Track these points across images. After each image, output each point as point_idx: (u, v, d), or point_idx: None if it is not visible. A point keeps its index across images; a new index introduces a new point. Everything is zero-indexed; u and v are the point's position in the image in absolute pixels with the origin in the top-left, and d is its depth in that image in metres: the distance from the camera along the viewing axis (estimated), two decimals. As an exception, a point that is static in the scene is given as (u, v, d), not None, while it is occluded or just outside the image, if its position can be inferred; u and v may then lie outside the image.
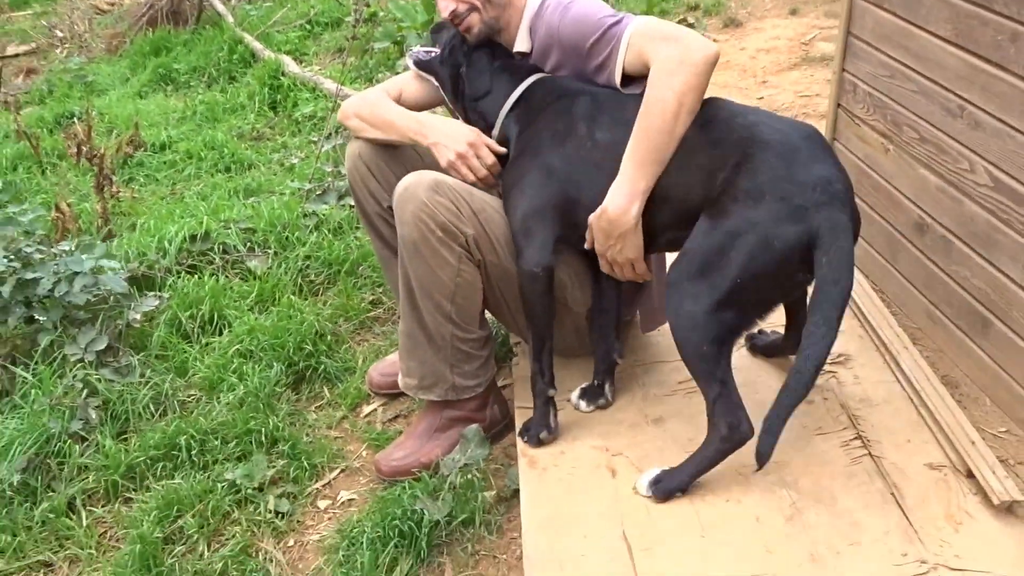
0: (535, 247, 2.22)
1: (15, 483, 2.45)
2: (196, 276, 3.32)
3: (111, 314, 2.98)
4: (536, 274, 2.21)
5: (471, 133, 2.36)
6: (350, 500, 2.45)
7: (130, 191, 4.25)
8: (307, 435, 2.67)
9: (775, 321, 2.34)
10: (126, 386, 2.77)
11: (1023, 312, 2.31)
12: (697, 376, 2.07)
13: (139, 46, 6.87)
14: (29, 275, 2.89)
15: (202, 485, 2.43)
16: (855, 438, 2.27)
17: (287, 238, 3.51)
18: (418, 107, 2.57)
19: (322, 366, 2.88)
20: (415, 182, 2.23)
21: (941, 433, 2.25)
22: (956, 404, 2.34)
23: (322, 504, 2.45)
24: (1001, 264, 2.36)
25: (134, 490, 2.51)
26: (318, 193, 3.78)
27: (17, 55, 7.70)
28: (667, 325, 2.09)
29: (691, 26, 6.05)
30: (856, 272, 2.12)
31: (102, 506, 2.49)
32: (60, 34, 8.00)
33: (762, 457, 1.96)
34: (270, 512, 2.39)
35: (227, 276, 3.37)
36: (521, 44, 2.37)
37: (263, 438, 2.58)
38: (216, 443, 2.56)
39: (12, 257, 2.92)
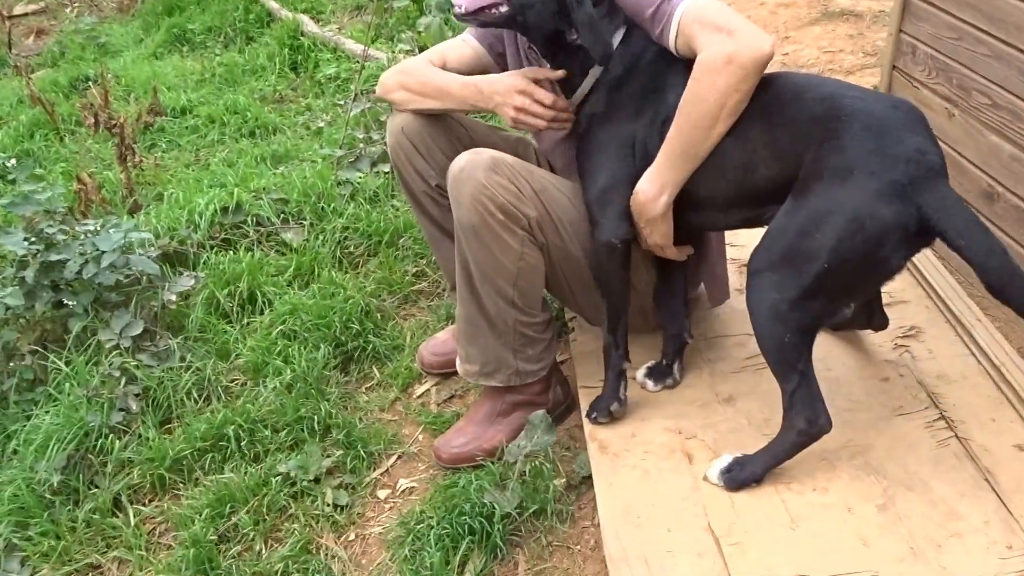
0: (613, 218, 2.11)
1: (55, 484, 2.35)
2: (230, 251, 3.20)
3: (145, 296, 2.87)
4: (614, 246, 2.11)
5: (517, 79, 2.20)
6: (410, 489, 2.35)
7: (153, 159, 4.11)
8: (360, 420, 2.55)
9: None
10: (166, 372, 2.66)
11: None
12: (775, 367, 1.94)
13: (151, 5, 6.69)
14: (54, 257, 2.76)
15: (255, 478, 2.33)
16: (939, 418, 2.15)
17: (322, 208, 3.37)
18: (465, 74, 2.42)
19: (370, 345, 2.77)
20: (471, 162, 2.09)
21: (1027, 410, 2.13)
22: (1039, 379, 2.22)
23: (382, 494, 2.34)
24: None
25: (182, 484, 2.41)
26: (351, 160, 3.64)
27: (26, 14, 7.49)
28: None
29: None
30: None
31: (149, 502, 2.40)
32: (70, -8, 7.82)
33: None
34: (328, 505, 2.28)
35: (262, 250, 3.25)
36: None
37: (315, 425, 2.47)
38: (266, 432, 2.46)
39: (34, 239, 2.78)
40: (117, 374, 2.61)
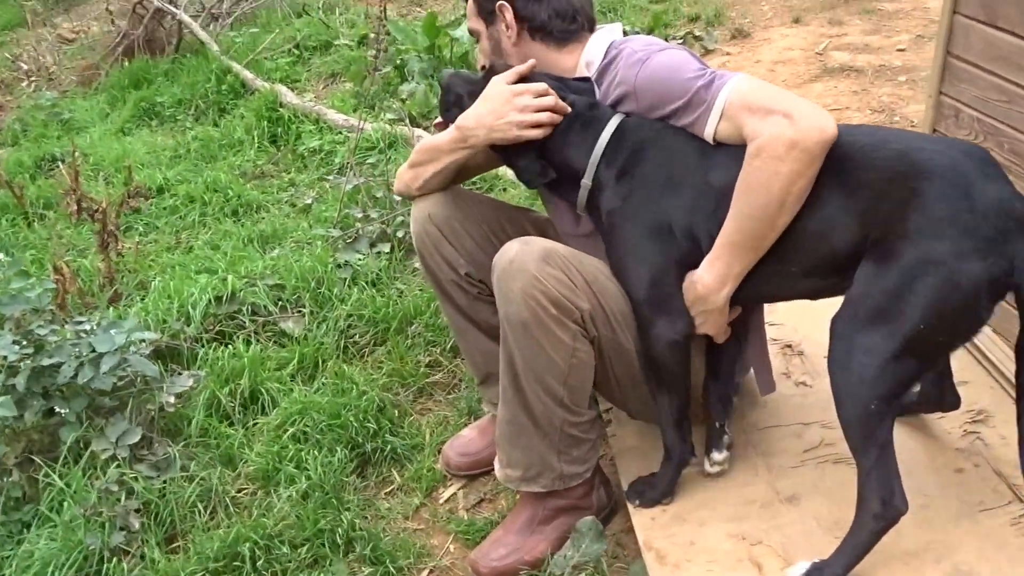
0: (672, 314, 1.96)
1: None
2: (227, 344, 2.99)
3: (141, 399, 2.65)
4: (678, 343, 1.98)
5: (501, 86, 2.05)
6: (448, 609, 2.14)
7: (133, 244, 3.89)
8: (384, 530, 2.35)
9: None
10: (167, 483, 2.44)
11: None
12: (855, 439, 1.81)
13: (116, 78, 6.52)
14: (46, 361, 2.54)
15: (278, 605, 2.11)
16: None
17: (322, 294, 3.18)
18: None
19: (388, 445, 2.56)
20: (522, 252, 1.93)
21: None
22: None
23: (417, 617, 2.14)
24: None
25: (195, 612, 2.18)
26: (348, 240, 3.46)
27: (-22, 90, 7.29)
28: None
29: (698, 39, 5.82)
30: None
31: (160, 635, 2.17)
32: (25, 66, 7.61)
33: None
34: (361, 633, 2.07)
35: (260, 341, 3.05)
36: None
37: (337, 539, 2.26)
38: (284, 549, 2.24)
39: (24, 342, 2.56)
40: (116, 488, 2.38)
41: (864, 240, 1.79)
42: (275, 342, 3.07)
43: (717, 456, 2.17)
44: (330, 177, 4.37)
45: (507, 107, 2.02)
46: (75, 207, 3.42)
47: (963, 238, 1.68)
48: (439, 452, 2.56)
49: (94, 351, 2.54)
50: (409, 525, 2.39)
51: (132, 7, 7.08)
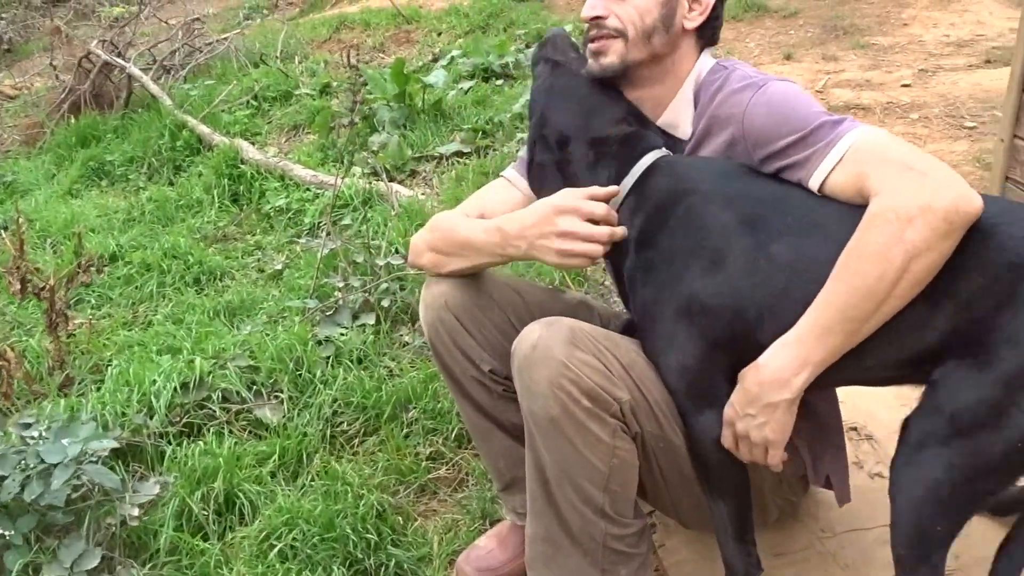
0: (718, 406, 1.64)
1: None
2: (195, 439, 2.62)
3: (99, 513, 2.27)
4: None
5: (556, 198, 1.72)
6: None
7: (86, 321, 3.51)
8: (394, 668, 1.99)
9: None
10: (134, 616, 2.07)
11: None
12: (903, 555, 1.53)
13: (62, 136, 6.14)
14: (-12, 475, 2.17)
15: None
16: None
17: (301, 377, 2.83)
18: None
19: (392, 560, 2.20)
20: (546, 336, 1.61)
21: None
22: None
23: None
24: None
25: None
26: (328, 313, 3.11)
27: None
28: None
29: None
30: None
31: None
32: (-37, 126, 7.21)
33: None
34: None
35: (233, 432, 2.68)
36: (678, 124, 1.80)
37: None
38: None
39: (-38, 452, 2.19)
40: (72, 629, 2.01)
41: (953, 333, 1.49)
42: (251, 433, 2.71)
43: None
44: (300, 239, 4.02)
45: (548, 225, 1.70)
46: (19, 285, 3.04)
47: None
48: (451, 564, 2.20)
49: (43, 462, 2.17)
50: (423, 658, 2.04)
51: (78, 61, 6.72)
